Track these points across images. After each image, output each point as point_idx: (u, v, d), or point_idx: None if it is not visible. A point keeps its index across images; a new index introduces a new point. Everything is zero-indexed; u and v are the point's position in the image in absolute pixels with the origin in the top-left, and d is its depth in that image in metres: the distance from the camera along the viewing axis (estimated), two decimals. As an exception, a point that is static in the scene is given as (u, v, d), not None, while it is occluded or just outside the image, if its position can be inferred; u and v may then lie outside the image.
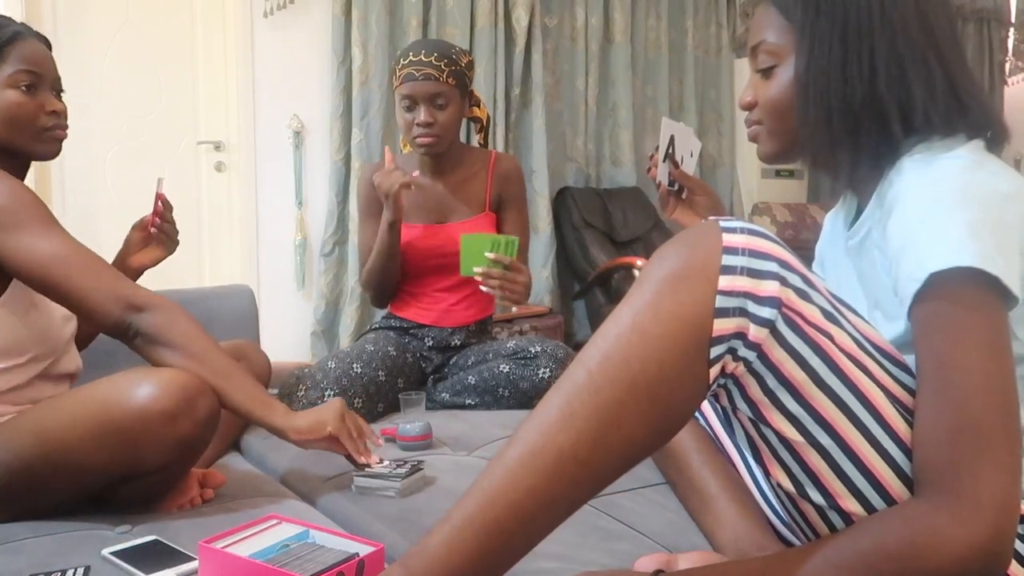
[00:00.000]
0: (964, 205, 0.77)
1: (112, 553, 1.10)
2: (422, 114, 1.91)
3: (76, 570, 1.05)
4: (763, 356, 0.77)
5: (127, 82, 3.17)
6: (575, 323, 3.93)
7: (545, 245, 3.67)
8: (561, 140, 3.95)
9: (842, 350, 0.78)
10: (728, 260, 0.77)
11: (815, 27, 0.89)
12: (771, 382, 0.78)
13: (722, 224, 0.80)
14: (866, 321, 0.84)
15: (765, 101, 0.96)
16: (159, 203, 1.56)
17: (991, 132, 0.88)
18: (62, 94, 1.41)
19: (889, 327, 0.87)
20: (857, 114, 0.88)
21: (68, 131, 1.41)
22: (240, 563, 1.00)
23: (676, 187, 1.36)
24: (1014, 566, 0.78)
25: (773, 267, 0.77)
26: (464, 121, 2.08)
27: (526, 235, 2.14)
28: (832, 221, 1.10)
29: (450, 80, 1.91)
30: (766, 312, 0.76)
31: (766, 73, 0.96)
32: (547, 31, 3.86)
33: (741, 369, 0.78)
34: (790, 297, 0.77)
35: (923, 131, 0.87)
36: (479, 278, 1.81)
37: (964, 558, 0.70)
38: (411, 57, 1.91)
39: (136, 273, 1.56)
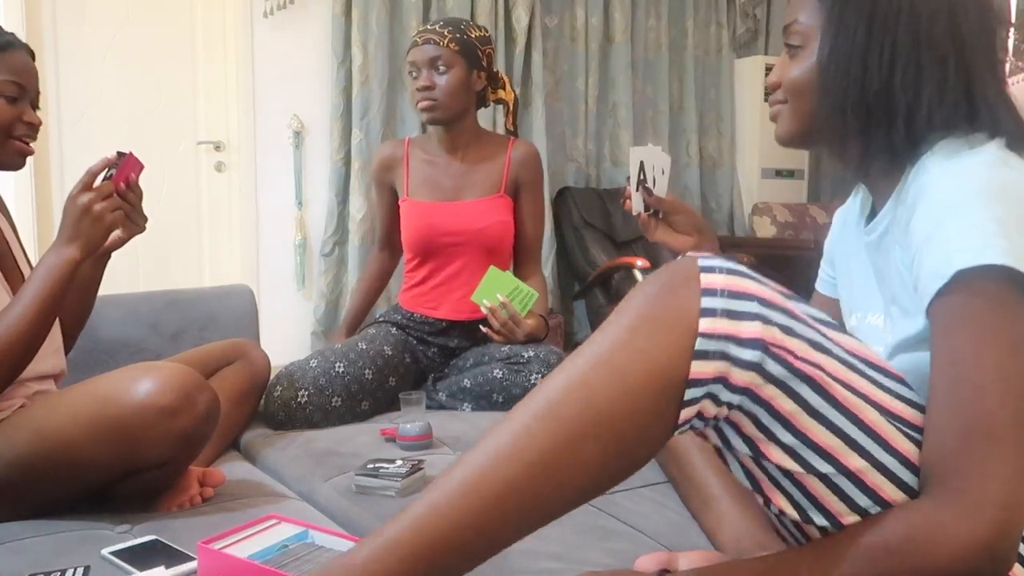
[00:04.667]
0: (991, 201, 0.76)
1: (112, 553, 1.10)
2: (422, 78, 1.95)
3: (76, 570, 1.05)
4: (753, 395, 0.75)
5: (127, 82, 3.17)
6: (575, 323, 3.93)
7: (545, 245, 3.67)
8: (561, 140, 3.95)
9: (834, 378, 0.77)
10: (707, 302, 0.75)
11: (843, 12, 0.88)
12: (765, 419, 0.76)
13: (701, 263, 0.78)
14: (855, 337, 0.83)
15: (787, 81, 0.95)
16: (132, 174, 1.34)
17: (1012, 135, 0.86)
18: (37, 110, 1.40)
19: (906, 323, 0.86)
20: (870, 106, 0.87)
21: (34, 150, 1.39)
22: (239, 564, 1.00)
23: (652, 210, 1.36)
24: (1017, 568, 0.77)
25: (754, 307, 0.75)
26: (492, 107, 2.09)
27: (541, 224, 2.15)
28: (842, 218, 1.09)
29: (451, 45, 1.94)
30: (749, 355, 0.74)
31: (793, 53, 0.95)
32: (547, 31, 3.86)
33: (725, 412, 0.77)
34: (775, 336, 0.75)
35: (924, 130, 0.86)
36: (484, 311, 1.90)
37: (965, 555, 0.69)
38: (420, 28, 1.99)
39: (98, 259, 1.46)
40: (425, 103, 1.96)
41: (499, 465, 0.75)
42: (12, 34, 1.36)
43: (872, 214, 0.97)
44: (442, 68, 1.94)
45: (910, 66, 0.86)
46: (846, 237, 1.06)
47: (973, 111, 0.86)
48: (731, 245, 3.92)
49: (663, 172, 1.37)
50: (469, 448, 0.79)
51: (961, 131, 0.85)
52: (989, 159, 0.81)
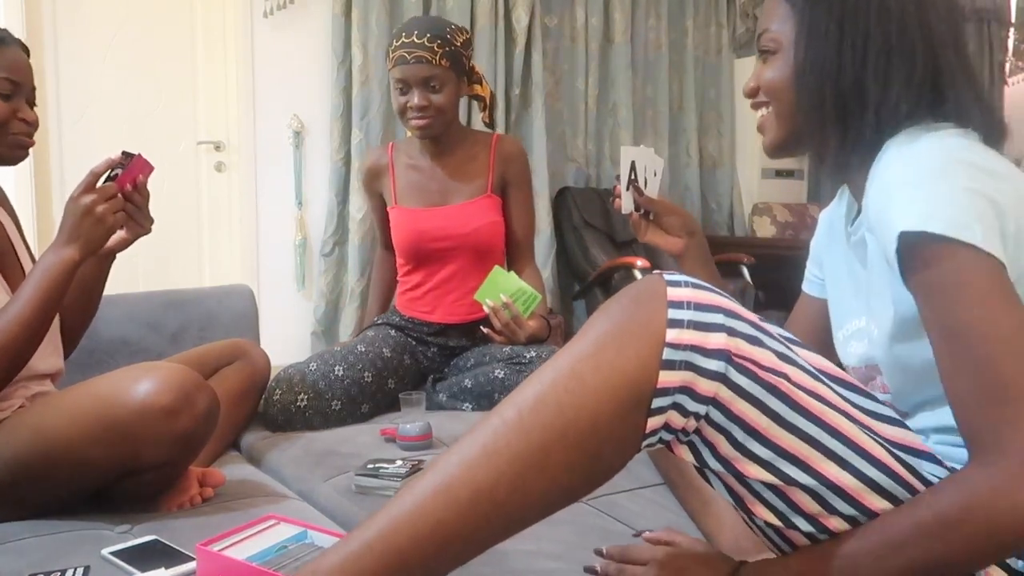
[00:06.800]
0: (943, 175, 0.77)
1: (112, 553, 1.10)
2: (416, 98, 1.89)
3: (76, 570, 1.05)
4: (725, 410, 0.76)
5: (127, 82, 3.17)
6: (575, 323, 3.93)
7: (545, 245, 3.67)
8: (561, 140, 3.95)
9: (800, 387, 0.77)
10: (674, 314, 0.76)
11: (814, 11, 0.90)
12: (739, 435, 0.77)
13: (667, 278, 0.79)
14: (815, 353, 0.84)
15: (764, 82, 0.97)
16: (140, 175, 1.33)
17: (988, 129, 0.88)
18: (34, 106, 1.40)
19: (885, 315, 0.87)
20: (846, 100, 0.89)
21: (34, 142, 1.39)
22: (237, 566, 1.00)
23: (643, 211, 1.36)
24: (995, 570, 0.77)
25: (719, 318, 0.77)
26: (466, 99, 2.05)
27: (531, 219, 2.13)
28: (828, 219, 1.10)
29: (443, 62, 1.89)
30: (714, 364, 0.75)
31: (766, 58, 0.96)
32: (547, 31, 3.86)
33: (693, 424, 0.77)
34: (739, 346, 0.76)
35: (893, 120, 0.87)
36: (487, 310, 1.89)
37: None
38: (403, 39, 1.89)
39: (102, 259, 1.43)
40: (422, 122, 1.92)
41: (469, 471, 0.76)
42: (5, 30, 1.36)
43: (858, 213, 0.98)
44: (436, 87, 1.90)
45: (880, 57, 0.87)
46: (833, 238, 1.06)
47: (940, 101, 0.87)
48: (731, 245, 3.92)
49: (655, 174, 1.37)
50: (440, 454, 0.79)
51: (928, 121, 0.87)
52: (944, 137, 0.82)
